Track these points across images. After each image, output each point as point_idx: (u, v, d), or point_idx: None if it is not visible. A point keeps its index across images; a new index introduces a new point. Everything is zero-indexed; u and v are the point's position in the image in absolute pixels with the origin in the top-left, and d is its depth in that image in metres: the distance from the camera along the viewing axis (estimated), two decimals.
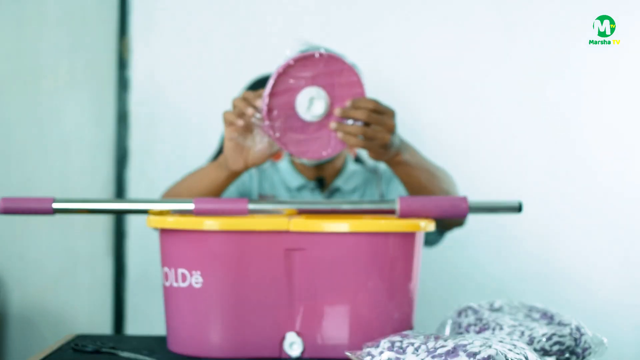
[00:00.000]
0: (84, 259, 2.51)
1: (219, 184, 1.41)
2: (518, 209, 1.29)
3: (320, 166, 1.73)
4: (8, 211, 1.24)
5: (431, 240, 1.69)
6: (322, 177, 1.74)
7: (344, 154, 1.78)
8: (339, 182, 1.75)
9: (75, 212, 1.29)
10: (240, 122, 1.28)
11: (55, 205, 1.24)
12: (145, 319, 2.41)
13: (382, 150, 1.32)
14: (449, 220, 1.58)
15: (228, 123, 1.31)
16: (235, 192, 1.73)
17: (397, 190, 1.75)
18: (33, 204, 1.24)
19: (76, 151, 2.52)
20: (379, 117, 1.28)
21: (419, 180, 1.45)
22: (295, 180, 1.74)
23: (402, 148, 1.40)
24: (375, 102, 1.29)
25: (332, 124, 1.28)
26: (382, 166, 1.80)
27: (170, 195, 1.54)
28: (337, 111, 1.27)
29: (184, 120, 2.44)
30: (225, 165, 1.36)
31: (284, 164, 1.79)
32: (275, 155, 1.39)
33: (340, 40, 2.40)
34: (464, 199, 1.24)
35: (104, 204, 1.29)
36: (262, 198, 1.73)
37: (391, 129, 1.30)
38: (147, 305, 2.39)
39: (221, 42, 2.43)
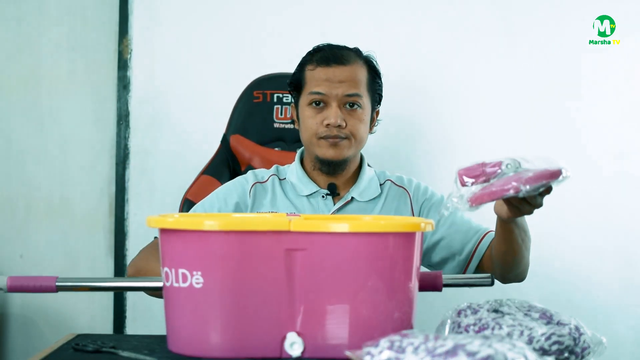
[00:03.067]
0: (84, 259, 2.51)
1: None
2: (490, 283, 1.40)
3: (332, 173, 1.69)
4: (14, 290, 1.32)
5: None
6: (334, 185, 1.71)
7: (356, 160, 1.74)
8: (355, 193, 1.71)
9: (78, 290, 1.38)
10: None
11: (58, 284, 1.31)
12: (146, 318, 2.41)
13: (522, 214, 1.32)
14: (511, 280, 1.61)
15: None
16: (232, 206, 1.69)
17: (450, 220, 1.67)
18: (38, 282, 1.32)
19: (76, 151, 2.52)
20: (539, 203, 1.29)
21: (516, 240, 1.46)
22: (307, 187, 1.70)
23: None
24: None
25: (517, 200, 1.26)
26: (413, 184, 1.75)
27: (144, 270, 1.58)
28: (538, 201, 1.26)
29: (184, 120, 2.44)
30: None
31: (294, 169, 1.74)
32: None
33: (340, 40, 2.40)
34: (439, 274, 1.34)
35: (105, 283, 1.46)
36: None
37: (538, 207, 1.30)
38: (147, 305, 2.39)
39: (221, 42, 2.44)
